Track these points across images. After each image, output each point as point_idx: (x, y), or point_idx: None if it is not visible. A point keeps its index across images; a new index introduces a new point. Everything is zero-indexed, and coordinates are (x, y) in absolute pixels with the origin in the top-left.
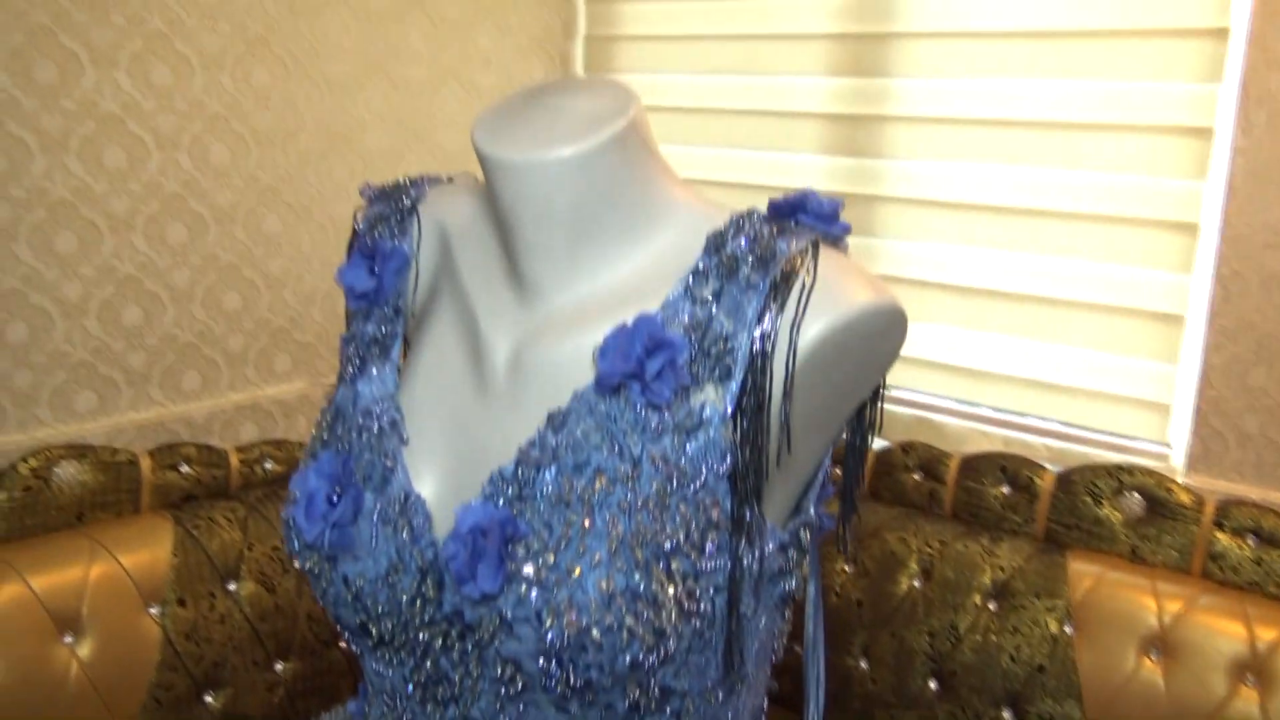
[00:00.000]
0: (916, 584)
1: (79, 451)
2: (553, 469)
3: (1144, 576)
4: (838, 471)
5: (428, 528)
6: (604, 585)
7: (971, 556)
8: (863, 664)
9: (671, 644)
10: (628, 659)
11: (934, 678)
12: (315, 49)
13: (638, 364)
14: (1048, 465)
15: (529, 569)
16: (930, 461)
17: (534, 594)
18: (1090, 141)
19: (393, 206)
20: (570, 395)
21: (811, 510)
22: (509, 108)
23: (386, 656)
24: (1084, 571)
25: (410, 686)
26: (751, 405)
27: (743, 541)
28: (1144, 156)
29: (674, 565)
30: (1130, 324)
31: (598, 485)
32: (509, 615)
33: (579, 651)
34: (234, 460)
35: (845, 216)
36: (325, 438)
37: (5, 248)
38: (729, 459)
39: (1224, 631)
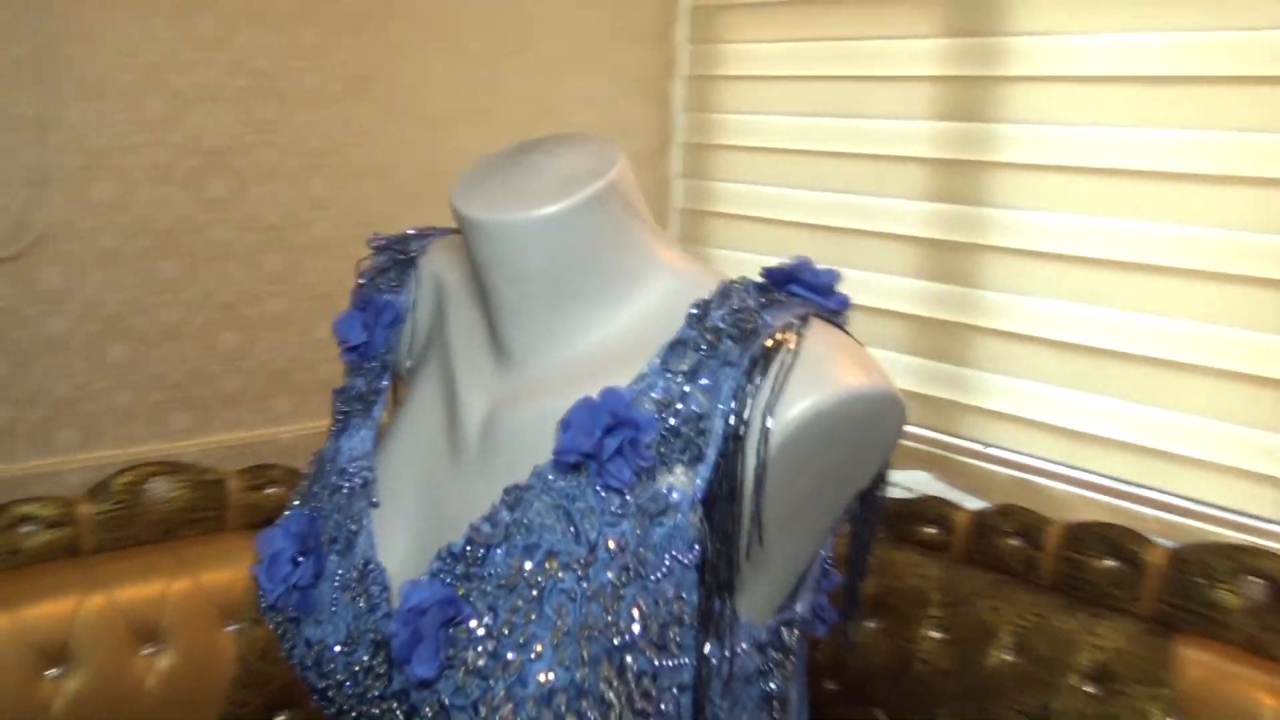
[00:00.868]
0: (1008, 657)
1: (171, 468)
2: (503, 548)
3: (1263, 670)
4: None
5: (385, 599)
6: (543, 679)
7: (1069, 633)
8: None
9: None
10: None
11: None
12: (414, 90)
13: (597, 443)
14: (1158, 540)
15: (469, 655)
16: (1030, 527)
17: (473, 683)
18: (1212, 194)
19: (395, 258)
20: (531, 470)
21: (799, 606)
22: (490, 165)
23: None
24: (1194, 659)
25: None
26: (723, 491)
27: (711, 639)
28: (1272, 212)
29: (628, 661)
30: (1254, 392)
31: (548, 569)
32: (448, 702)
33: None
34: None
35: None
36: (304, 492)
37: (110, 273)
38: (697, 548)
39: None
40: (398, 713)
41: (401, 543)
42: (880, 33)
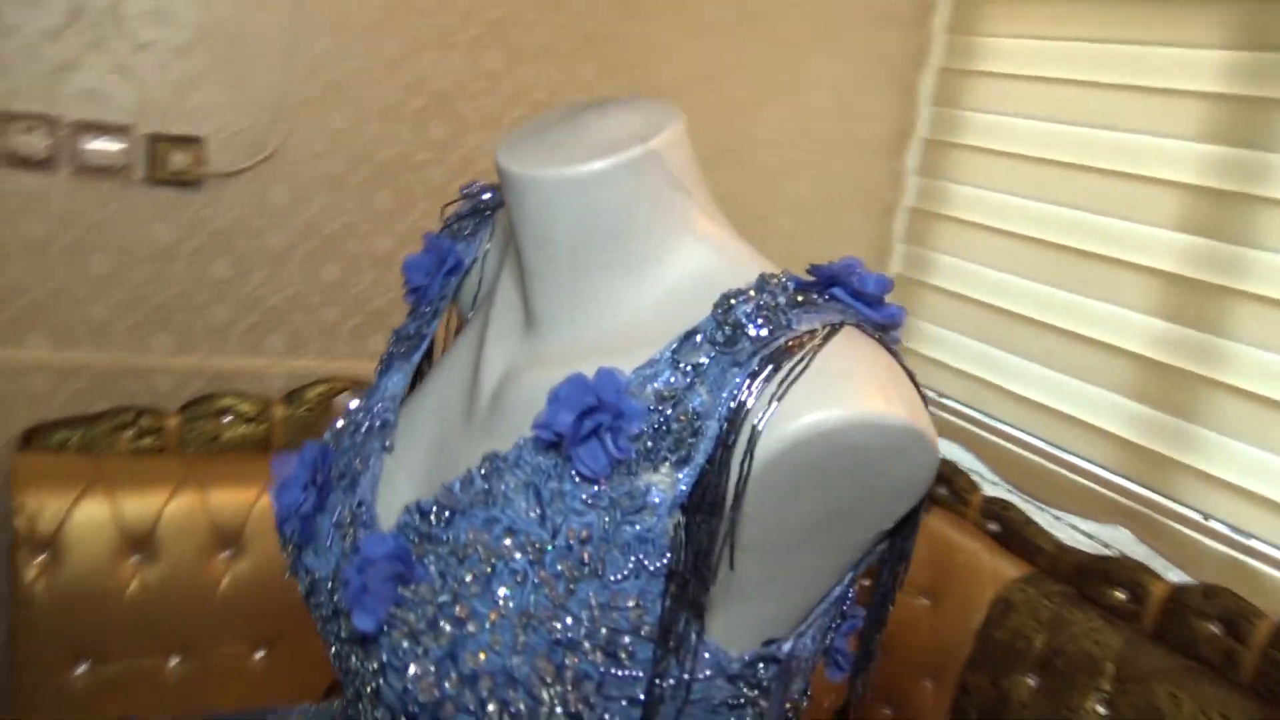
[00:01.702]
0: None
1: (362, 388)
2: (466, 516)
3: None
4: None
5: None
6: (472, 660)
7: None
8: None
9: None
10: None
11: None
12: (642, 52)
13: (573, 424)
14: None
15: (411, 617)
16: (1236, 615)
17: (408, 647)
18: None
19: (476, 207)
20: (515, 441)
21: (787, 645)
22: (543, 122)
23: (335, 662)
24: None
25: (347, 695)
26: (705, 501)
27: (669, 657)
28: None
29: (567, 661)
30: None
31: (504, 546)
32: (385, 660)
33: None
34: None
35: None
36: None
37: (334, 198)
38: (668, 556)
39: None
40: (354, 659)
41: (404, 492)
42: (1157, 38)
